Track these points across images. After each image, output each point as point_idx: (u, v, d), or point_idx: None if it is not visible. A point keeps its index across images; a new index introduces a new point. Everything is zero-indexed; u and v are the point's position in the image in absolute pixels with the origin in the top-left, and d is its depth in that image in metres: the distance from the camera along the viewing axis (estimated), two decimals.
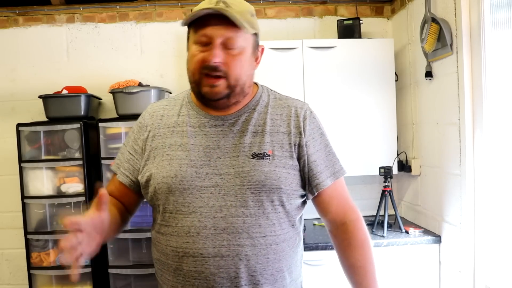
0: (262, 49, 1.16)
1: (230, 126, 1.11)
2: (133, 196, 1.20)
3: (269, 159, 1.08)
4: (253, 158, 1.07)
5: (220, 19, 1.02)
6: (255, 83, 1.21)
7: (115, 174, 1.20)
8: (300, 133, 1.12)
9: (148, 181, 1.11)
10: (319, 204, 1.18)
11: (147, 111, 1.21)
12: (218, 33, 1.03)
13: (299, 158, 1.12)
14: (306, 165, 1.12)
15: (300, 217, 1.18)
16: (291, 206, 1.11)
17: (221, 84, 1.06)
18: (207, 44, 1.04)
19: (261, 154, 1.08)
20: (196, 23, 1.05)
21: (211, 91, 1.06)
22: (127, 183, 1.17)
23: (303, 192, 1.15)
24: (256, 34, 1.11)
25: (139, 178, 1.15)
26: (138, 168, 1.16)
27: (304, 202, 1.18)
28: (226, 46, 1.04)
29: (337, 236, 1.19)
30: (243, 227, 1.04)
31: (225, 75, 1.05)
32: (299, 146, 1.12)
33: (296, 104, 1.18)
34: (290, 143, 1.11)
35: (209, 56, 1.03)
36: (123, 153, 1.20)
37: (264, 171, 1.06)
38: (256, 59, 1.15)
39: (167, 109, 1.18)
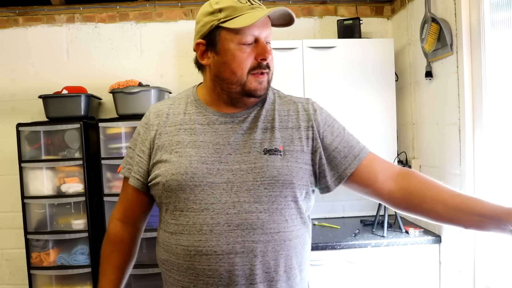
0: None
1: (240, 123, 1.11)
2: (145, 199, 1.19)
3: (281, 154, 1.08)
4: (264, 154, 1.07)
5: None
6: None
7: (125, 178, 1.19)
8: (312, 127, 1.12)
9: (156, 179, 1.10)
10: (361, 180, 1.13)
11: (150, 112, 1.18)
12: (263, 31, 1.06)
13: (313, 152, 1.11)
14: (324, 156, 1.11)
15: (309, 216, 1.17)
16: (302, 202, 1.11)
17: (266, 79, 1.09)
18: (250, 43, 1.06)
19: (273, 150, 1.08)
20: (236, 24, 1.04)
21: (260, 87, 1.08)
22: (139, 186, 1.16)
23: (313, 188, 1.15)
24: None
25: (148, 178, 1.14)
26: (148, 170, 1.15)
27: (312, 199, 1.17)
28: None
29: (404, 187, 1.10)
30: (257, 223, 1.03)
31: (269, 71, 1.09)
32: (313, 139, 1.12)
33: (301, 100, 1.19)
34: (300, 138, 1.11)
35: (265, 54, 1.06)
36: (132, 156, 1.18)
37: (277, 166, 1.06)
38: None
39: (172, 108, 1.16)
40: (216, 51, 1.08)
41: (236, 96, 1.10)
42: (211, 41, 1.08)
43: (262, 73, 1.07)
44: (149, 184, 1.14)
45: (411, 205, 1.10)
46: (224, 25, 1.04)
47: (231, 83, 1.08)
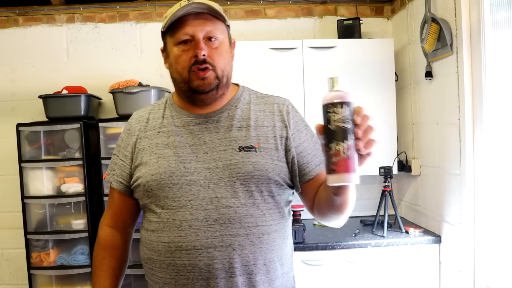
0: (234, 42, 1.20)
1: (214, 122, 1.14)
2: (132, 203, 1.22)
3: (256, 151, 1.10)
4: (240, 151, 1.10)
5: (197, 15, 1.09)
6: (236, 84, 1.24)
7: (111, 184, 1.22)
8: (286, 126, 1.15)
9: (138, 181, 1.13)
10: (311, 190, 1.15)
11: (132, 118, 1.24)
12: (198, 28, 1.08)
13: (287, 151, 1.14)
14: (295, 157, 1.14)
15: (289, 210, 1.19)
16: (280, 197, 1.13)
17: (210, 75, 1.09)
18: (188, 41, 1.09)
19: (248, 147, 1.10)
20: (172, 27, 1.10)
21: (203, 83, 1.09)
22: (122, 189, 1.19)
23: (292, 184, 1.16)
24: (228, 26, 1.16)
25: (131, 181, 1.17)
26: (130, 173, 1.18)
27: (292, 195, 1.20)
28: (207, 39, 1.09)
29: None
30: (235, 217, 1.06)
31: (212, 67, 1.09)
32: (286, 138, 1.14)
33: (278, 100, 1.21)
34: (275, 136, 1.13)
35: (196, 50, 1.07)
36: (116, 162, 1.22)
37: (252, 162, 1.08)
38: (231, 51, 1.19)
39: (152, 113, 1.21)
40: (168, 55, 1.14)
41: (188, 95, 1.14)
42: (164, 47, 1.17)
43: (202, 70, 1.08)
44: (132, 186, 1.17)
45: (319, 211, 1.15)
46: (163, 30, 1.13)
47: (179, 82, 1.13)
